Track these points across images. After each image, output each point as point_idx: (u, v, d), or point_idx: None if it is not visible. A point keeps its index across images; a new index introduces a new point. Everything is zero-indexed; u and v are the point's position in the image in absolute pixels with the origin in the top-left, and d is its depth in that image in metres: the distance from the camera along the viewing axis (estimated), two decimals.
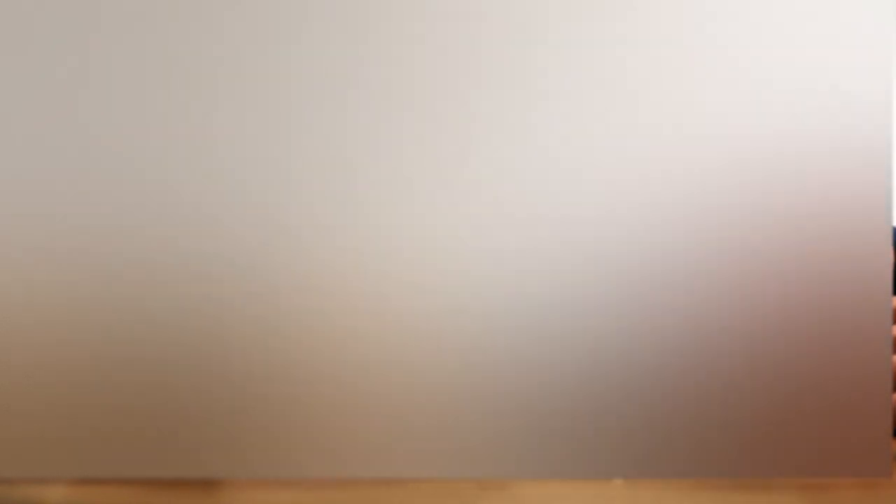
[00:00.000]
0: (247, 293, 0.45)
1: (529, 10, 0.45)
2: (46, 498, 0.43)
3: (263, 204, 0.45)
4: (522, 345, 0.45)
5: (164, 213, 0.44)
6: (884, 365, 0.45)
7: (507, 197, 0.45)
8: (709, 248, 0.45)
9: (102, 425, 0.45)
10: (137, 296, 0.44)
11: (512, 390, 0.45)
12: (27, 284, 0.44)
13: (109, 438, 0.45)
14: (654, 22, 0.45)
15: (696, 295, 0.45)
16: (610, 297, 0.45)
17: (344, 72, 0.45)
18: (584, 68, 0.45)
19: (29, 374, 0.45)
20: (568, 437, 0.45)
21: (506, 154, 0.45)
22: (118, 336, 0.45)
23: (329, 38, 0.45)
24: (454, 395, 0.45)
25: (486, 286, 0.45)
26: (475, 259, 0.45)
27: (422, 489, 0.45)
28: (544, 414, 0.45)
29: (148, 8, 0.45)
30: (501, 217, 0.45)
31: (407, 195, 0.45)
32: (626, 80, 0.45)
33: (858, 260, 0.45)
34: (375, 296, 0.45)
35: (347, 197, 0.45)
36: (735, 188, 0.45)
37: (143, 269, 0.44)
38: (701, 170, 0.45)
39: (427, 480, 0.46)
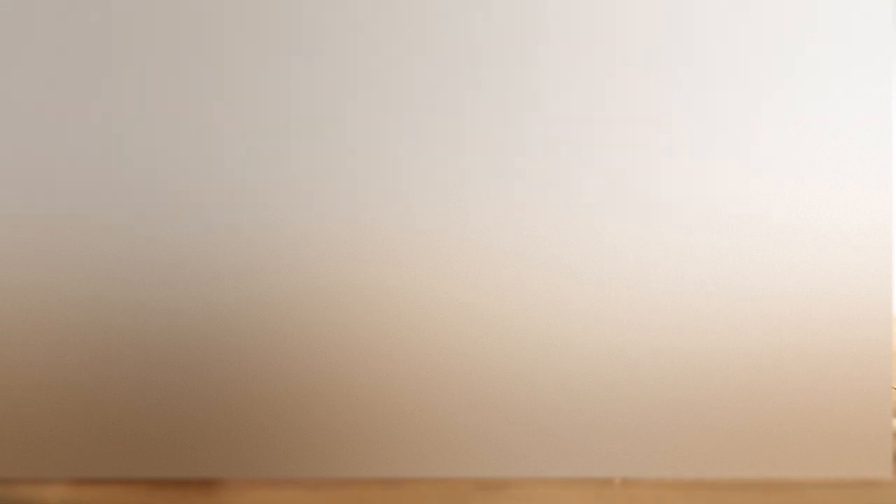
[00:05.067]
0: (247, 293, 0.45)
1: (530, 13, 0.45)
2: (46, 498, 0.43)
3: (264, 205, 0.45)
4: (522, 345, 0.45)
5: (165, 213, 0.44)
6: (884, 365, 0.45)
7: (506, 198, 0.45)
8: (710, 249, 0.45)
9: (102, 425, 0.45)
10: (137, 296, 0.44)
11: (512, 391, 0.45)
12: (27, 285, 0.44)
13: (109, 438, 0.45)
14: (644, 21, 0.45)
15: (696, 296, 0.45)
16: (610, 299, 0.45)
17: (345, 74, 0.45)
18: (584, 72, 0.45)
19: (29, 374, 0.45)
20: (568, 437, 0.45)
21: (504, 155, 0.45)
22: (118, 336, 0.45)
23: (330, 40, 0.45)
24: (454, 395, 0.45)
25: (483, 287, 0.45)
26: (473, 260, 0.45)
27: (421, 489, 0.45)
28: (544, 414, 0.45)
29: (149, 9, 0.45)
30: (499, 218, 0.45)
31: (405, 196, 0.45)
32: (625, 78, 0.45)
33: (859, 261, 0.45)
34: (375, 296, 0.45)
35: (347, 197, 0.45)
36: (739, 187, 0.45)
37: (144, 269, 0.44)
38: (702, 171, 0.45)
39: (427, 480, 0.46)
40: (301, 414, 0.45)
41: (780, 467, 0.46)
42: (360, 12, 0.45)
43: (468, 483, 0.46)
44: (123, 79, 0.45)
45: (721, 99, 0.45)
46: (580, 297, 0.45)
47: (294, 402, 0.45)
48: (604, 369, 0.45)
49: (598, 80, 0.45)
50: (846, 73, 0.45)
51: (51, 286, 0.44)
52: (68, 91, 0.45)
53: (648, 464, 0.46)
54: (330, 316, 0.45)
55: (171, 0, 0.45)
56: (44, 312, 0.44)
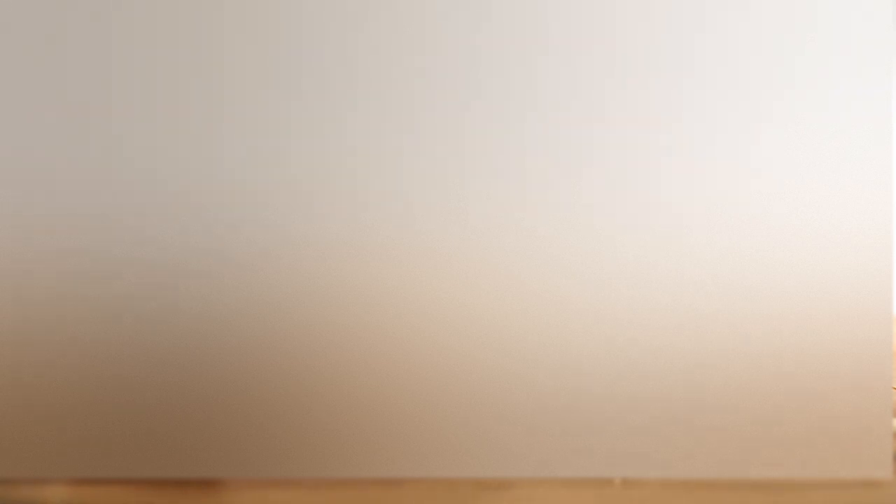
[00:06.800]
0: (247, 293, 0.45)
1: (530, 13, 0.45)
2: (46, 498, 0.43)
3: (264, 205, 0.45)
4: (522, 345, 0.45)
5: (165, 213, 0.44)
6: (884, 365, 0.45)
7: (506, 198, 0.45)
8: (710, 249, 0.45)
9: (102, 425, 0.45)
10: (137, 296, 0.44)
11: (512, 391, 0.45)
12: (27, 284, 0.44)
13: (109, 438, 0.45)
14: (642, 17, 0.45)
15: (696, 296, 0.45)
16: (610, 299, 0.45)
17: (345, 74, 0.45)
18: (584, 72, 0.45)
19: (28, 375, 0.45)
20: (568, 437, 0.45)
21: (504, 155, 0.45)
22: (118, 336, 0.45)
23: (330, 40, 0.45)
24: (454, 395, 0.45)
25: (483, 287, 0.45)
26: (473, 260, 0.45)
27: (421, 489, 0.45)
28: (544, 414, 0.45)
29: (149, 9, 0.45)
30: (499, 218, 0.45)
31: (405, 196, 0.45)
32: (625, 79, 0.45)
33: (859, 261, 0.45)
34: (375, 296, 0.45)
35: (347, 197, 0.45)
36: (739, 187, 0.45)
37: (144, 269, 0.44)
38: (702, 171, 0.45)
39: (426, 480, 0.46)
40: (301, 414, 0.45)
41: (781, 467, 0.46)
42: (360, 12, 0.45)
43: (468, 483, 0.46)
44: (123, 79, 0.45)
45: (721, 99, 0.45)
46: (580, 297, 0.45)
47: (294, 402, 0.45)
48: (604, 369, 0.45)
49: (598, 80, 0.45)
50: (846, 74, 0.45)
51: (50, 286, 0.44)
52: (68, 91, 0.45)
53: (648, 464, 0.46)
54: (330, 316, 0.45)
55: (171, 0, 0.45)
56: (44, 312, 0.44)
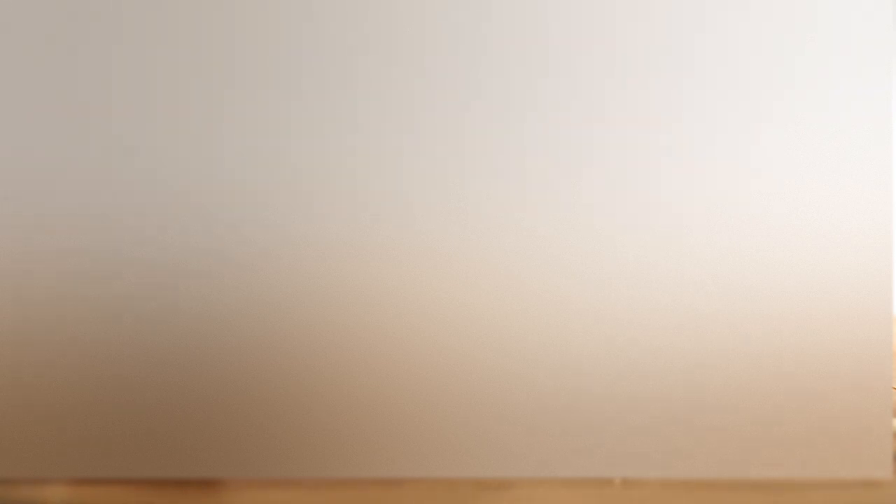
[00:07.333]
0: (247, 293, 0.45)
1: (530, 13, 0.45)
2: (47, 498, 0.43)
3: (264, 205, 0.45)
4: (522, 345, 0.45)
5: (165, 213, 0.44)
6: (884, 365, 0.45)
7: (506, 198, 0.45)
8: (710, 249, 0.45)
9: (102, 425, 0.45)
10: (137, 296, 0.44)
11: (512, 391, 0.45)
12: (27, 285, 0.44)
13: (109, 438, 0.45)
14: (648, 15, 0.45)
15: (696, 296, 0.45)
16: (610, 299, 0.45)
17: (345, 74, 0.45)
18: (584, 71, 0.45)
19: (28, 375, 0.45)
20: (568, 437, 0.45)
21: (504, 155, 0.45)
22: (118, 336, 0.45)
23: (330, 40, 0.45)
24: (454, 395, 0.45)
25: (483, 287, 0.45)
26: (473, 260, 0.45)
27: (421, 489, 0.45)
28: (544, 414, 0.45)
29: (150, 9, 0.45)
30: (499, 218, 0.45)
31: (405, 196, 0.45)
32: (625, 79, 0.45)
33: (859, 261, 0.45)
34: (375, 296, 0.45)
35: (347, 197, 0.45)
36: (739, 187, 0.45)
37: (144, 269, 0.44)
38: (702, 171, 0.45)
39: (426, 480, 0.46)
40: (301, 414, 0.45)
41: (781, 467, 0.46)
42: (361, 12, 0.45)
43: (468, 483, 0.46)
44: (124, 79, 0.45)
45: (721, 99, 0.45)
46: (580, 297, 0.45)
47: (294, 402, 0.45)
48: (604, 369, 0.45)
49: (598, 80, 0.45)
50: (846, 74, 0.45)
51: (51, 286, 0.44)
52: (68, 91, 0.45)
53: (648, 464, 0.46)
54: (330, 316, 0.45)
55: (171, 0, 0.45)
56: (44, 312, 0.44)
